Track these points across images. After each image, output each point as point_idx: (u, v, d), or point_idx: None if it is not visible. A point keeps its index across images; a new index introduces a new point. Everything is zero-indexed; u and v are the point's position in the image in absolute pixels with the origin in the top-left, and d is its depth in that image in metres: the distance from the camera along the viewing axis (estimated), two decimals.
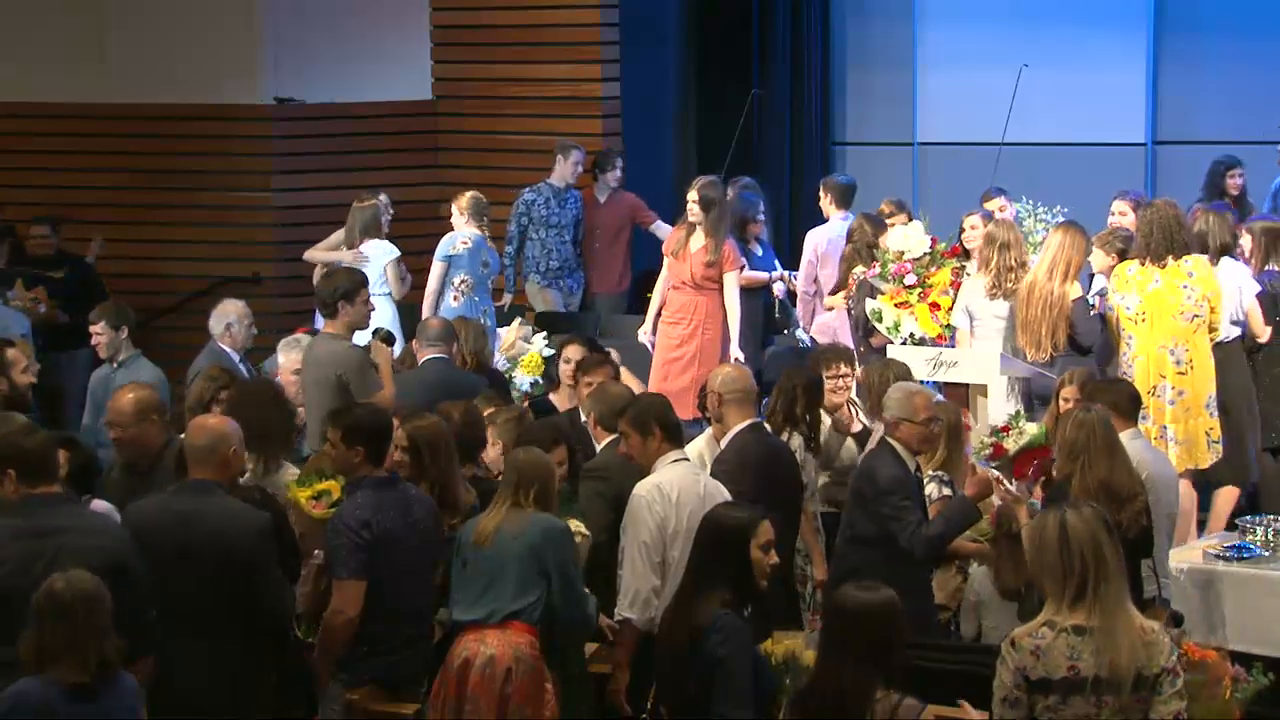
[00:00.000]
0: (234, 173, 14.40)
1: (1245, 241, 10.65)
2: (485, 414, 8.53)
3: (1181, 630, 7.72)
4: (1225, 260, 10.37)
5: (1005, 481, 8.58)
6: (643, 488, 7.45)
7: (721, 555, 6.10)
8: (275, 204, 14.45)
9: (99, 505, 7.27)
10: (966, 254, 11.09)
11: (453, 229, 12.39)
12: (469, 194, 12.46)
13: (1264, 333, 10.30)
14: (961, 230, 11.34)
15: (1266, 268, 10.52)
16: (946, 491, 8.52)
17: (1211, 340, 10.05)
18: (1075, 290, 10.12)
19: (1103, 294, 10.38)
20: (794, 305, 12.86)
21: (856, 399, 9.58)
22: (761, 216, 12.97)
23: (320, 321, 10.49)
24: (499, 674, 6.92)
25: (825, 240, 12.51)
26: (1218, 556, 8.86)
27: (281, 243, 14.09)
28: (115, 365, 10.68)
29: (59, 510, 6.50)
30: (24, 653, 5.64)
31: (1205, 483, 10.23)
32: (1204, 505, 10.33)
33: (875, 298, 11.04)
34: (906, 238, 11.09)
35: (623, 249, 13.98)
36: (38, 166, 14.67)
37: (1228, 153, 12.99)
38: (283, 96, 14.51)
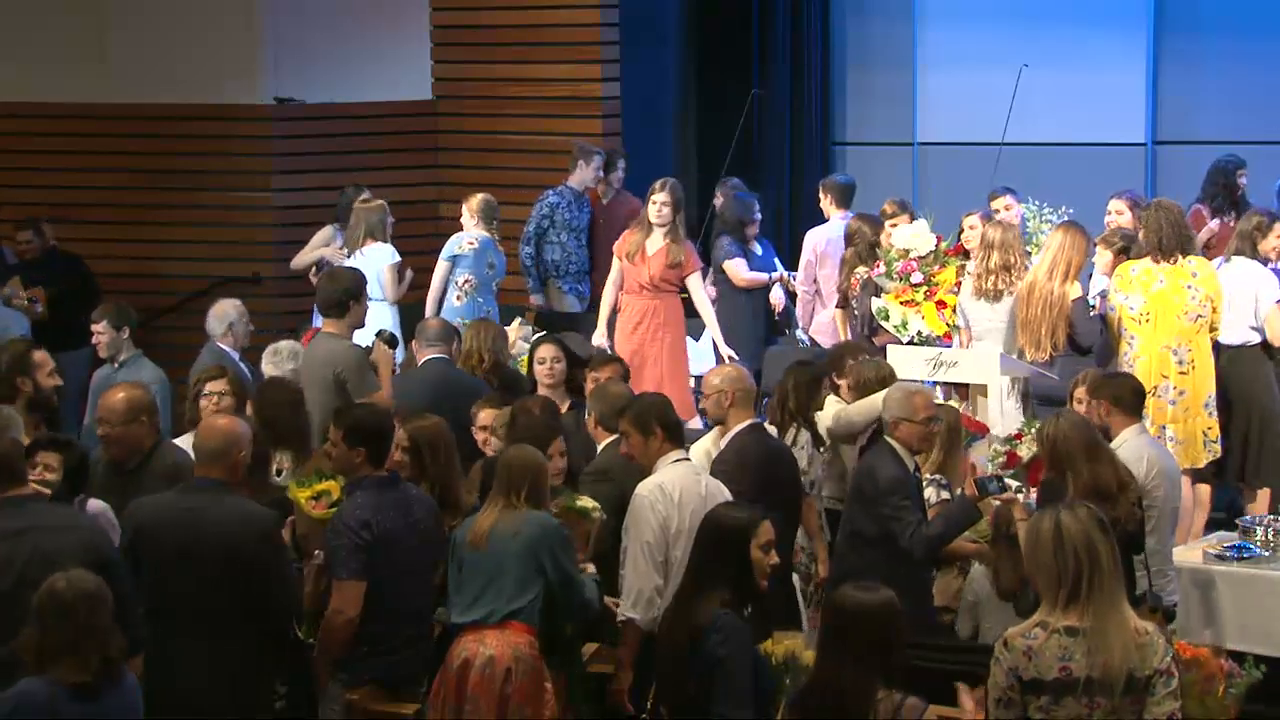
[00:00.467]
0: (234, 173, 14.40)
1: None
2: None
3: (1171, 629, 7.73)
4: (1241, 260, 10.35)
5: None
6: (645, 488, 7.45)
7: (722, 555, 6.10)
8: (275, 204, 14.45)
9: (94, 505, 7.28)
10: (966, 254, 11.09)
11: (459, 229, 12.37)
12: (480, 196, 12.40)
13: None
14: (961, 231, 11.35)
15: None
16: (945, 495, 8.53)
17: (1212, 340, 10.07)
18: (1075, 290, 10.12)
19: (1103, 294, 10.37)
20: (794, 306, 12.85)
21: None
22: (758, 215, 12.96)
23: (318, 321, 10.49)
24: (499, 674, 6.92)
25: (825, 240, 12.49)
26: (1218, 556, 8.86)
27: (281, 243, 14.08)
28: (116, 365, 10.68)
29: (27, 511, 6.52)
30: (25, 652, 5.64)
31: (1237, 487, 10.32)
32: (1218, 505, 10.37)
33: (880, 296, 11.04)
34: (913, 236, 11.09)
35: None
36: (38, 166, 14.67)
37: (1229, 153, 12.98)
38: (283, 96, 14.51)
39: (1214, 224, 12.31)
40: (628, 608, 7.36)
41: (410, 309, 12.29)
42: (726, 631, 5.95)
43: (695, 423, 10.34)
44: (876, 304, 11.02)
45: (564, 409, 8.99)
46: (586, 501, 7.55)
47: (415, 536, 7.17)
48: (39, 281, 12.82)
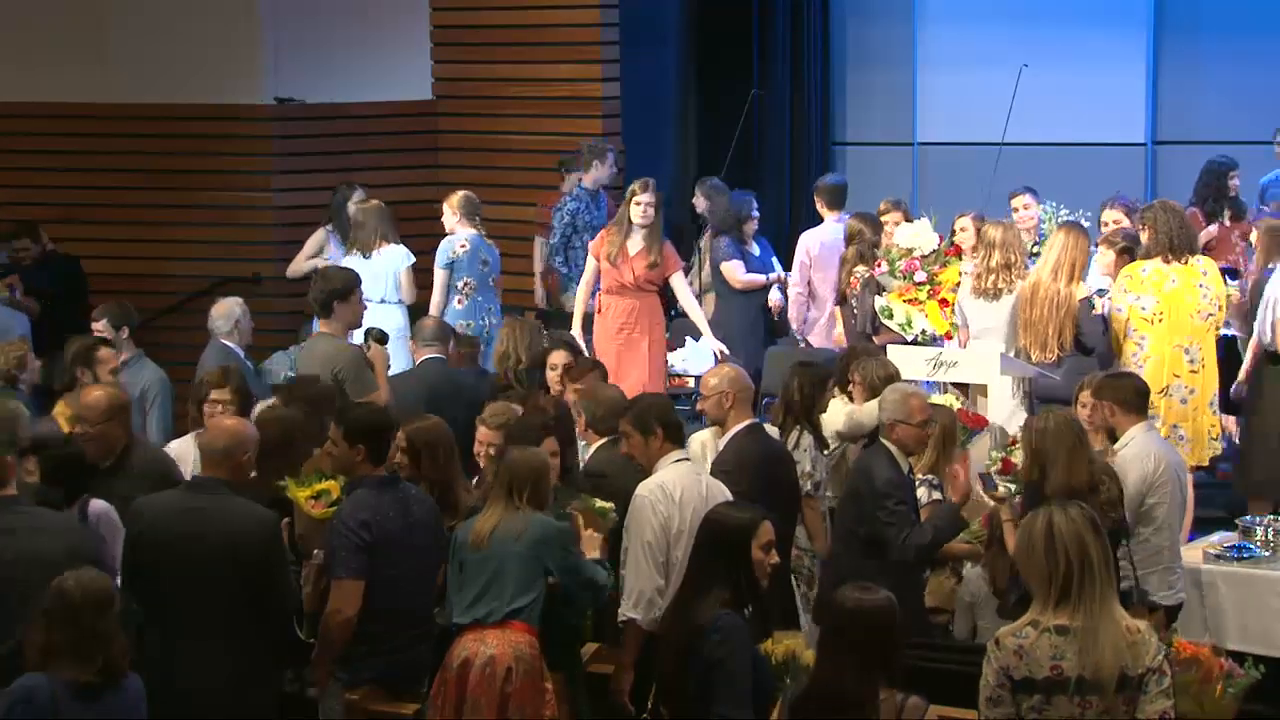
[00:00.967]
0: (234, 173, 14.39)
1: (1252, 238, 10.67)
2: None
3: (1174, 628, 7.74)
4: None
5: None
6: (645, 488, 7.45)
7: (722, 555, 6.10)
8: (275, 204, 14.44)
9: (96, 506, 7.29)
10: (960, 255, 11.09)
11: (446, 229, 12.33)
12: (461, 193, 12.34)
13: None
14: (953, 232, 11.33)
15: (1269, 266, 10.51)
16: (936, 495, 8.56)
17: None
18: (1081, 291, 10.12)
19: (1102, 294, 10.37)
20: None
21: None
22: (756, 212, 12.95)
23: (316, 323, 10.49)
24: (499, 674, 6.92)
25: (819, 243, 12.49)
26: (1218, 556, 8.87)
27: (281, 243, 14.07)
28: (117, 365, 10.66)
29: (10, 512, 6.53)
30: (29, 650, 5.65)
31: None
32: (1218, 505, 10.36)
33: (881, 295, 11.04)
34: (916, 235, 11.09)
35: None
36: (38, 166, 14.66)
37: (1224, 154, 12.98)
38: (283, 96, 14.50)
39: (1212, 228, 12.32)
40: (628, 608, 7.36)
41: (411, 310, 12.29)
42: (726, 631, 5.95)
43: None
44: (880, 302, 11.02)
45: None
46: (603, 503, 7.55)
47: (415, 536, 7.17)
48: (38, 284, 12.80)
